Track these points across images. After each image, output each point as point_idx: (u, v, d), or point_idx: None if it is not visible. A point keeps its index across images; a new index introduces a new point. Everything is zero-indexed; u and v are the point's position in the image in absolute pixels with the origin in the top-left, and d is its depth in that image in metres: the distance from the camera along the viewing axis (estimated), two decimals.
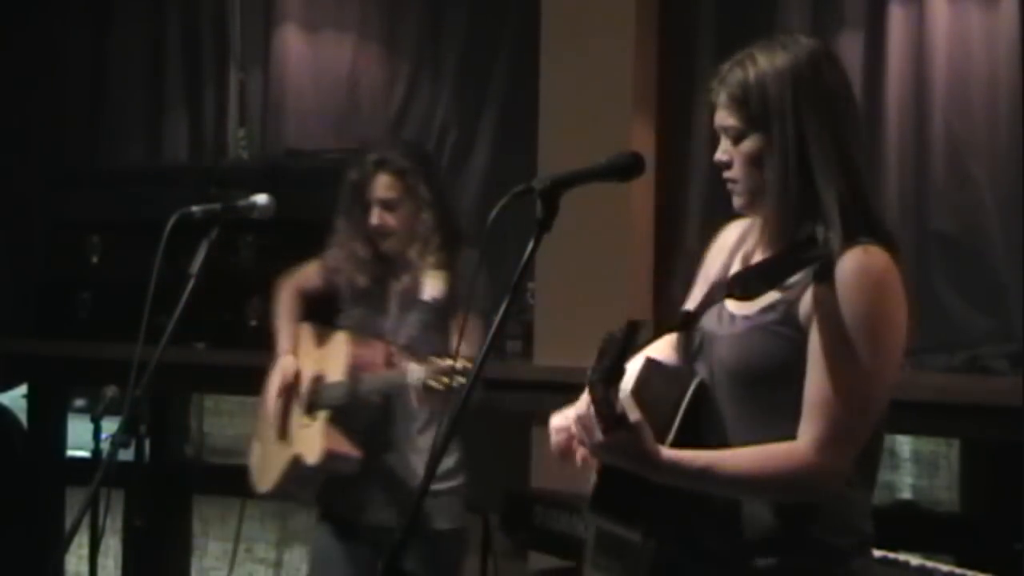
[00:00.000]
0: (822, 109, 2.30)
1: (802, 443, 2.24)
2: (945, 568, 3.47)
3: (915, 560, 3.57)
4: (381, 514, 3.74)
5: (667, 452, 2.25)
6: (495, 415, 4.11)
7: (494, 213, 2.28)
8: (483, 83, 5.54)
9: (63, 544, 3.45)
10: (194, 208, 3.28)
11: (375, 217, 3.79)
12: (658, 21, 5.04)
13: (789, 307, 2.28)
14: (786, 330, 2.28)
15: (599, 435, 2.19)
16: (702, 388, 2.34)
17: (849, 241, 2.25)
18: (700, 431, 2.31)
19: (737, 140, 2.34)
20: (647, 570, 2.33)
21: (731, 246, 2.49)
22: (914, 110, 4.83)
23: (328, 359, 3.81)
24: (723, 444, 2.30)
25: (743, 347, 2.31)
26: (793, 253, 2.31)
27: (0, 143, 6.16)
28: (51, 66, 6.16)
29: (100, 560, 3.93)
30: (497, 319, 2.30)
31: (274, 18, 5.90)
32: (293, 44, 5.87)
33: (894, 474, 5.06)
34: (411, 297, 3.82)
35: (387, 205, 3.80)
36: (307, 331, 3.95)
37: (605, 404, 2.18)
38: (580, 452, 2.33)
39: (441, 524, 3.72)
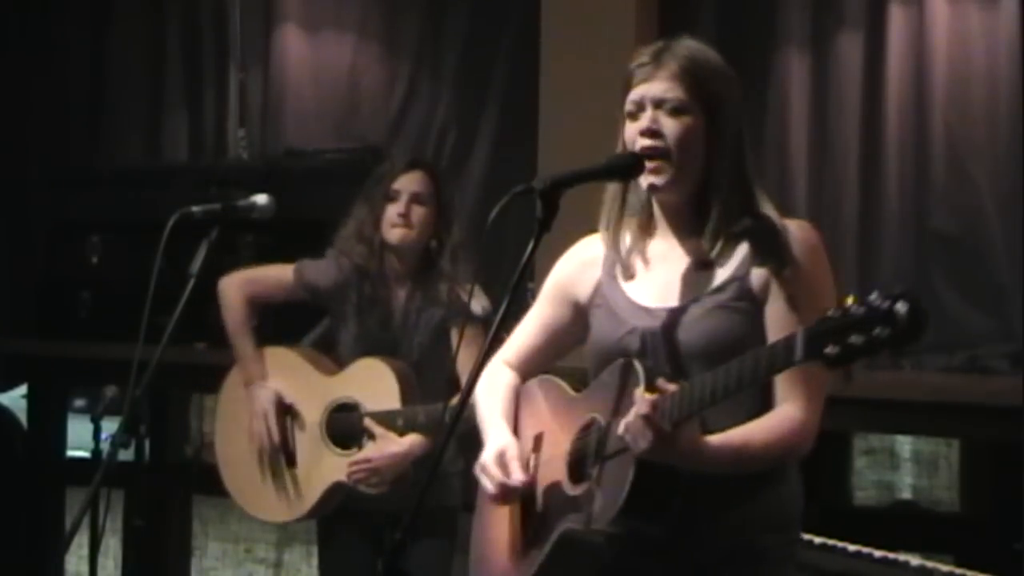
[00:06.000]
0: (743, 102, 2.43)
1: (791, 407, 2.33)
2: (945, 568, 3.47)
3: (915, 560, 3.57)
4: (388, 503, 3.75)
5: (710, 439, 2.29)
6: None
7: (494, 213, 2.29)
8: (483, 83, 5.54)
9: (63, 544, 3.46)
10: (194, 208, 3.28)
11: (402, 206, 3.76)
12: (658, 22, 5.04)
13: (741, 283, 2.37)
14: (743, 304, 2.37)
15: (667, 427, 2.20)
16: None
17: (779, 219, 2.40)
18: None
19: (678, 113, 2.37)
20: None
21: (598, 261, 2.52)
22: (914, 110, 4.82)
23: (362, 386, 3.78)
24: (709, 428, 2.32)
25: (708, 326, 2.36)
26: (764, 236, 2.38)
27: (0, 143, 6.16)
28: (51, 66, 6.16)
29: (100, 560, 3.94)
30: (496, 319, 2.31)
31: (274, 18, 5.90)
32: (293, 44, 5.86)
33: (894, 474, 5.06)
34: (418, 308, 3.81)
35: (417, 199, 3.79)
36: (293, 356, 3.92)
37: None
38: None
39: (449, 501, 3.80)
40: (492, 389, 2.62)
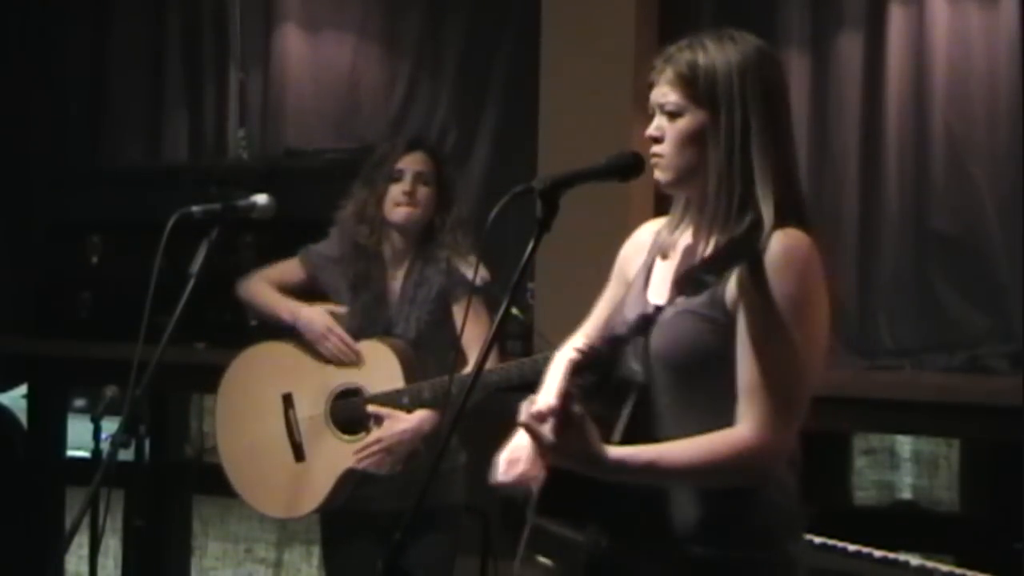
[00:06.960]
0: (765, 101, 2.37)
1: (743, 427, 2.26)
2: (945, 568, 3.47)
3: (915, 560, 3.57)
4: (395, 501, 3.74)
5: (612, 450, 2.24)
6: (495, 415, 4.12)
7: (494, 213, 2.29)
8: (483, 83, 5.54)
9: (63, 544, 3.45)
10: (194, 208, 3.28)
11: (407, 185, 3.78)
12: (658, 22, 5.04)
13: (714, 292, 2.31)
14: (713, 313, 2.31)
15: (550, 436, 2.18)
16: (643, 389, 2.34)
17: (778, 226, 2.30)
18: (644, 429, 2.31)
19: (674, 116, 2.38)
20: (583, 567, 2.36)
21: (648, 245, 2.52)
22: (914, 110, 4.83)
23: (364, 369, 3.77)
24: (666, 436, 2.29)
25: (672, 332, 2.33)
26: (737, 243, 2.32)
27: (0, 143, 6.17)
28: (51, 66, 6.16)
29: (100, 560, 3.92)
30: (497, 319, 2.31)
31: (274, 18, 5.90)
32: (293, 44, 5.87)
33: (894, 474, 5.07)
34: (416, 283, 3.82)
35: (420, 178, 3.81)
36: (288, 348, 3.91)
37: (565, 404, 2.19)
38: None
39: (453, 499, 3.81)
40: (556, 366, 2.61)
